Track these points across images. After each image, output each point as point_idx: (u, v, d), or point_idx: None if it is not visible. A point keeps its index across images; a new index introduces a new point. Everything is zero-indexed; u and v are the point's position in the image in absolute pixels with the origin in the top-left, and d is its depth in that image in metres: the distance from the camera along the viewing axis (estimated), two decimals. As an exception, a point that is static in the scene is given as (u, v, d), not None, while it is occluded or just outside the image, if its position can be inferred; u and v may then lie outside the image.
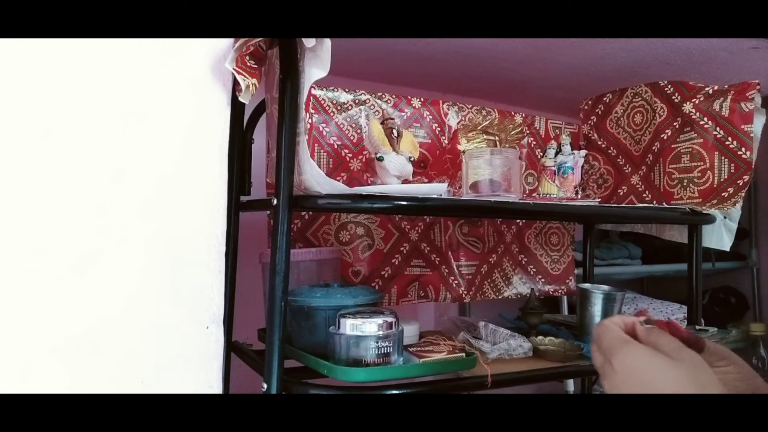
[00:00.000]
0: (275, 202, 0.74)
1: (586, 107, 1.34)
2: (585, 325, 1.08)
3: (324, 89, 1.06)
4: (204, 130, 0.73)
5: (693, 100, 1.12)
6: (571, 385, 1.64)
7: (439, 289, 1.20)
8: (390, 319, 0.78)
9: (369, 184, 1.00)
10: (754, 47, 1.24)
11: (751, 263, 1.89)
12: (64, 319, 0.64)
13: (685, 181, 1.13)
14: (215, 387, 0.74)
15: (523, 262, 1.32)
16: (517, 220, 1.31)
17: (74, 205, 0.65)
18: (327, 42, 0.69)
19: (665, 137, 1.17)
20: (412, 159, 0.91)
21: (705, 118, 1.10)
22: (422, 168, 1.13)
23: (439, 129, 1.17)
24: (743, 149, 1.05)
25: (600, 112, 1.31)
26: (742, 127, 1.05)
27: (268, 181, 1.01)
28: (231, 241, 0.85)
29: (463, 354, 0.85)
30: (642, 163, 1.23)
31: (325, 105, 1.06)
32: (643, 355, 0.47)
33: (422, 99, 1.16)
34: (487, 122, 1.13)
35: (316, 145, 1.05)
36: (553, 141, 1.25)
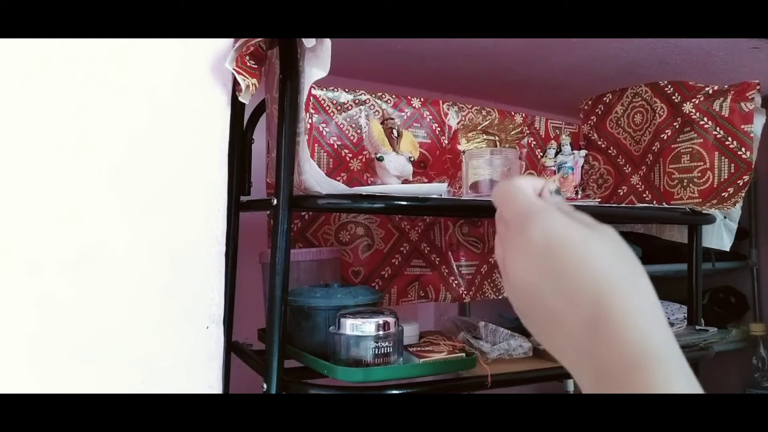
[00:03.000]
0: (275, 202, 0.74)
1: (586, 107, 1.34)
2: (585, 325, 1.08)
3: (324, 89, 1.06)
4: (204, 130, 0.73)
5: (693, 100, 1.12)
6: (571, 385, 1.64)
7: (439, 289, 1.20)
8: (390, 319, 0.78)
9: (369, 184, 1.00)
10: (754, 47, 1.24)
11: (751, 263, 1.89)
12: (63, 319, 0.64)
13: (685, 181, 1.13)
14: (215, 387, 0.74)
15: (523, 262, 1.32)
16: (517, 220, 1.30)
17: (74, 204, 0.65)
18: (327, 42, 0.69)
19: (665, 137, 1.17)
20: (412, 159, 0.91)
21: (705, 118, 1.10)
22: (422, 168, 1.13)
23: (439, 129, 1.17)
24: (743, 149, 1.05)
25: (600, 112, 1.31)
26: (742, 127, 1.05)
27: (268, 181, 1.01)
28: (231, 241, 0.85)
29: (463, 354, 0.85)
30: (642, 163, 1.23)
31: (325, 105, 1.06)
32: (565, 224, 0.39)
33: (422, 99, 1.16)
34: (487, 122, 1.13)
35: (316, 145, 1.05)
36: (553, 141, 1.25)
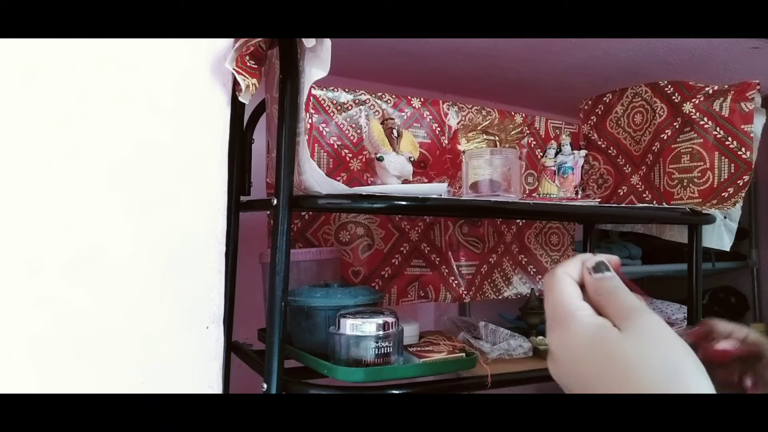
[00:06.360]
0: (275, 202, 0.74)
1: (586, 107, 1.34)
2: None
3: (324, 89, 1.06)
4: (204, 130, 0.73)
5: (693, 100, 1.12)
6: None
7: (439, 289, 1.20)
8: (390, 319, 0.78)
9: (369, 184, 1.00)
10: (754, 47, 1.24)
11: (751, 263, 1.89)
12: (64, 320, 0.64)
13: (685, 181, 1.13)
14: (215, 387, 0.74)
15: (523, 262, 1.32)
16: (517, 220, 1.31)
17: (74, 204, 0.65)
18: (327, 42, 0.69)
19: (665, 137, 1.17)
20: (412, 159, 0.91)
21: (705, 118, 1.10)
22: (422, 168, 1.13)
23: (439, 129, 1.17)
24: (743, 149, 1.05)
25: (600, 112, 1.31)
26: (742, 127, 1.05)
27: (268, 181, 1.01)
28: (231, 241, 0.85)
29: (463, 354, 0.85)
30: (642, 163, 1.23)
31: (325, 105, 1.06)
32: (592, 335, 0.38)
33: (422, 99, 1.16)
34: (487, 122, 1.13)
35: (316, 145, 1.05)
36: (553, 141, 1.25)
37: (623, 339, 0.37)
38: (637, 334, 0.37)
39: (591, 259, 0.43)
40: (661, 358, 0.35)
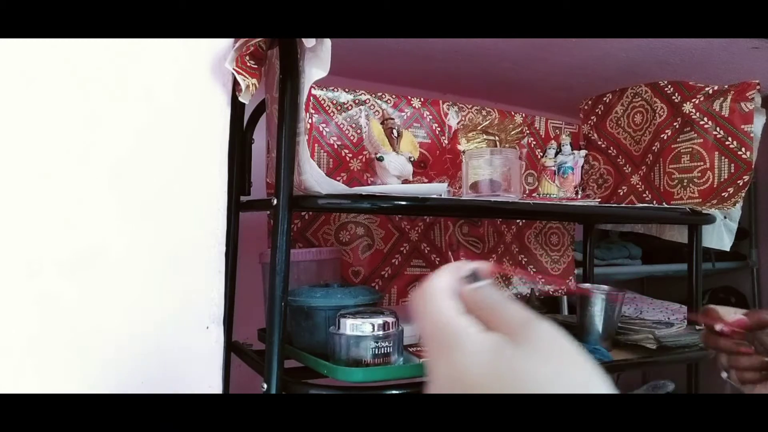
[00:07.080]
0: (275, 202, 0.74)
1: (586, 107, 1.34)
2: (585, 326, 1.08)
3: (324, 89, 1.06)
4: (204, 130, 0.73)
5: (693, 100, 1.12)
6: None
7: (439, 289, 1.20)
8: (390, 319, 0.78)
9: (369, 184, 1.00)
10: (754, 47, 1.24)
11: (751, 263, 1.89)
12: (64, 320, 0.64)
13: (685, 181, 1.13)
14: (215, 387, 0.74)
15: (523, 262, 1.32)
16: (517, 220, 1.31)
17: (74, 204, 0.65)
18: (327, 42, 0.69)
19: (665, 137, 1.17)
20: (412, 159, 0.91)
21: (705, 118, 1.10)
22: (422, 168, 1.13)
23: (439, 129, 1.17)
24: (743, 149, 1.05)
25: (600, 112, 1.31)
26: (742, 127, 1.05)
27: (268, 181, 1.01)
28: (231, 241, 0.85)
29: (463, 354, 0.85)
30: (642, 163, 1.23)
31: (325, 105, 1.06)
32: (482, 357, 0.33)
33: (422, 99, 1.16)
34: (487, 122, 1.13)
35: (316, 145, 1.05)
36: (553, 141, 1.25)
37: (526, 357, 0.32)
38: (538, 350, 0.33)
39: (463, 267, 0.37)
40: (570, 375, 0.32)
